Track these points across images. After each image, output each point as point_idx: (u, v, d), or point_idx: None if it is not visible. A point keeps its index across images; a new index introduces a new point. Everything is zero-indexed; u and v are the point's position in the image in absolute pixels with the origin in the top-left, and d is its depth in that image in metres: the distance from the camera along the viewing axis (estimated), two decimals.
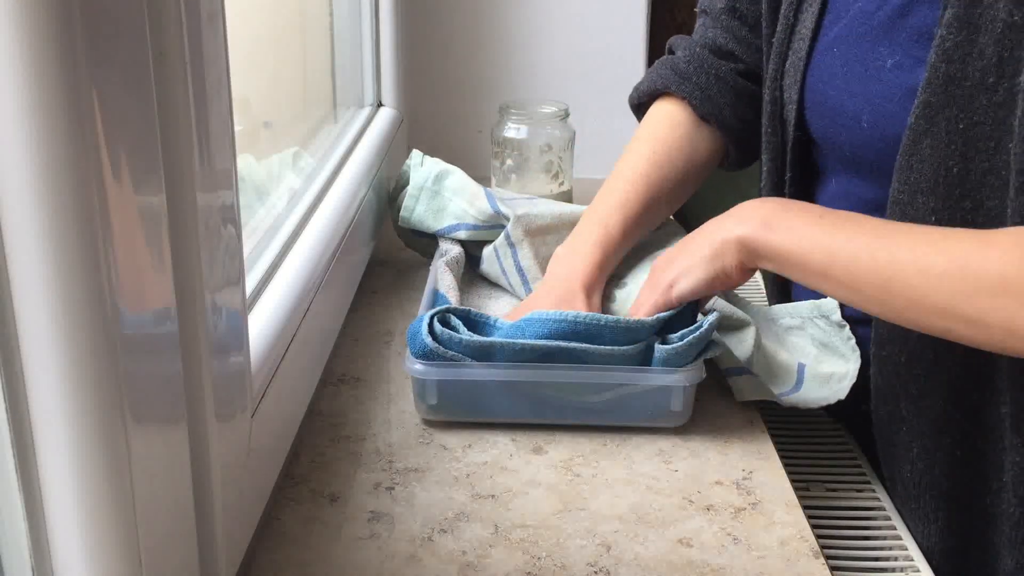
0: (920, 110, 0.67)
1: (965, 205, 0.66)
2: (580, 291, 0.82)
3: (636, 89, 0.96)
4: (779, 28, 0.84)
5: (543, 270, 0.92)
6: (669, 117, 0.91)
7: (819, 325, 0.87)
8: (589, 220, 0.87)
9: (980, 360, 0.68)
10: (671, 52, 0.95)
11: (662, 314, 0.73)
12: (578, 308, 0.80)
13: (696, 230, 0.75)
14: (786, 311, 0.92)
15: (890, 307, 0.63)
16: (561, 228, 0.95)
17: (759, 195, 0.89)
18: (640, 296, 0.77)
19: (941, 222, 0.67)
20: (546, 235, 0.94)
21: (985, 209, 0.65)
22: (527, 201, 1.02)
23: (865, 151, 0.75)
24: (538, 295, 0.84)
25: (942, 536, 0.74)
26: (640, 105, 0.96)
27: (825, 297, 0.83)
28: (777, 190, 0.86)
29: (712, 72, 0.90)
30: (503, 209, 0.94)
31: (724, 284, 0.73)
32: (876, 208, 0.73)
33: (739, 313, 0.86)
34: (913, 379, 0.72)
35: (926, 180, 0.67)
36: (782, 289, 0.93)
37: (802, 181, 0.84)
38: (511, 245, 0.93)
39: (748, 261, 0.70)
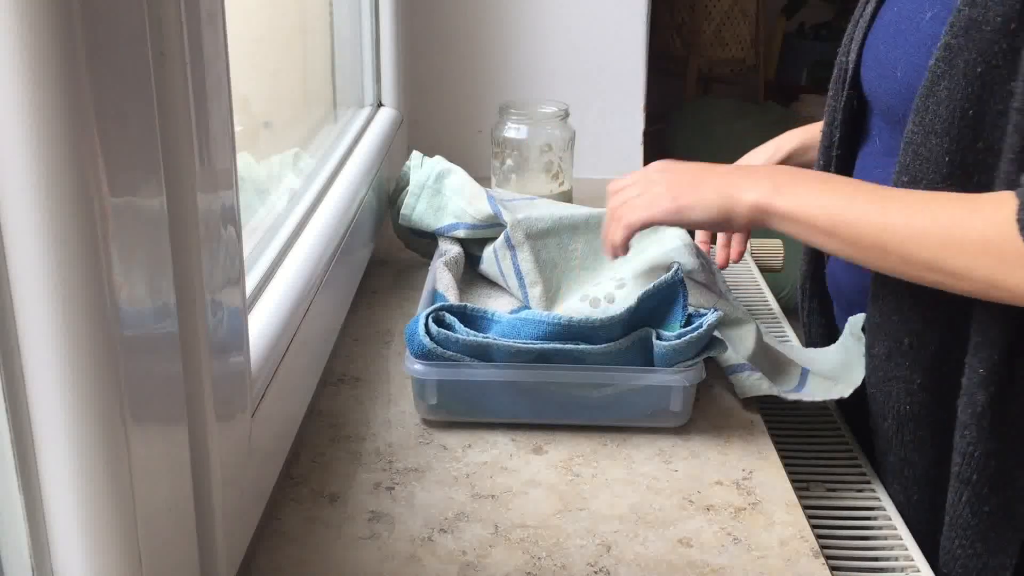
0: (940, 52, 0.70)
1: (978, 147, 0.68)
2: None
3: None
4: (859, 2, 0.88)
5: (542, 274, 0.92)
6: None
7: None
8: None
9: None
10: None
11: (644, 293, 0.73)
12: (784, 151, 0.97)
13: (704, 169, 0.78)
14: None
15: (887, 263, 0.70)
16: (562, 231, 0.94)
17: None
18: (637, 202, 0.78)
19: (954, 163, 0.69)
20: (546, 238, 0.94)
21: (996, 151, 0.67)
22: (527, 203, 1.02)
23: (897, 103, 0.77)
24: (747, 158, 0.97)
25: (921, 508, 0.75)
26: None
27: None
28: (827, 152, 0.89)
29: None
30: (503, 213, 0.94)
31: (721, 229, 0.79)
32: None
33: (740, 311, 0.86)
34: (915, 311, 0.74)
35: (941, 122, 0.70)
36: (825, 331, 0.93)
37: (850, 140, 0.87)
38: (511, 248, 0.93)
39: (758, 222, 0.75)
